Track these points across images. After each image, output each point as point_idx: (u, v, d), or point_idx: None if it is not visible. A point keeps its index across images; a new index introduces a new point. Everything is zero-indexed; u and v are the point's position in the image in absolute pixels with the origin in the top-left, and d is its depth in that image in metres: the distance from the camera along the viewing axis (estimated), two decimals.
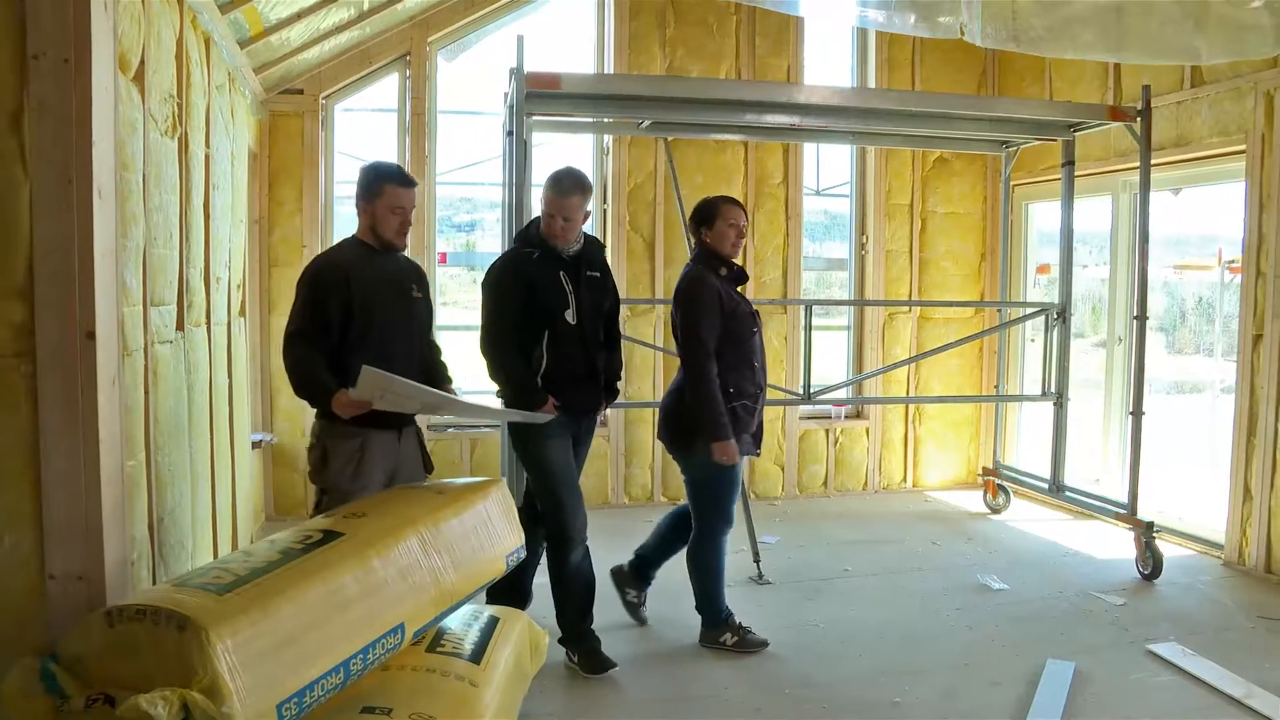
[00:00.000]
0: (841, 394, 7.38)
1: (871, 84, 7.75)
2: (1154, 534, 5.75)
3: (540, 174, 7.11)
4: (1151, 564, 5.68)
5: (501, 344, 4.24)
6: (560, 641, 4.36)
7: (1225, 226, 6.08)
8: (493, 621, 3.37)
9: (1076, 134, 6.56)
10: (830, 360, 7.93)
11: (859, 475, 7.84)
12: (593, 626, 4.40)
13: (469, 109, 7.27)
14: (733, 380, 4.44)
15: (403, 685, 2.89)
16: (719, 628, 4.63)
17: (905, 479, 7.97)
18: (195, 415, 4.24)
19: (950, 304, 7.97)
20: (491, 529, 3.36)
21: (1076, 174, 6.81)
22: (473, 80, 7.21)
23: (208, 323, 4.56)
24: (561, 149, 7.58)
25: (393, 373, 3.54)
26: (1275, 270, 5.66)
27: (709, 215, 4.60)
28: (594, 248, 4.45)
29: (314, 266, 3.83)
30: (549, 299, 4.22)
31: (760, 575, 5.57)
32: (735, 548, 5.83)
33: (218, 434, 4.77)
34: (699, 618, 4.67)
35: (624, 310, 7.09)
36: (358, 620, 2.68)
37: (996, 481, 7.29)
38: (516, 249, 4.38)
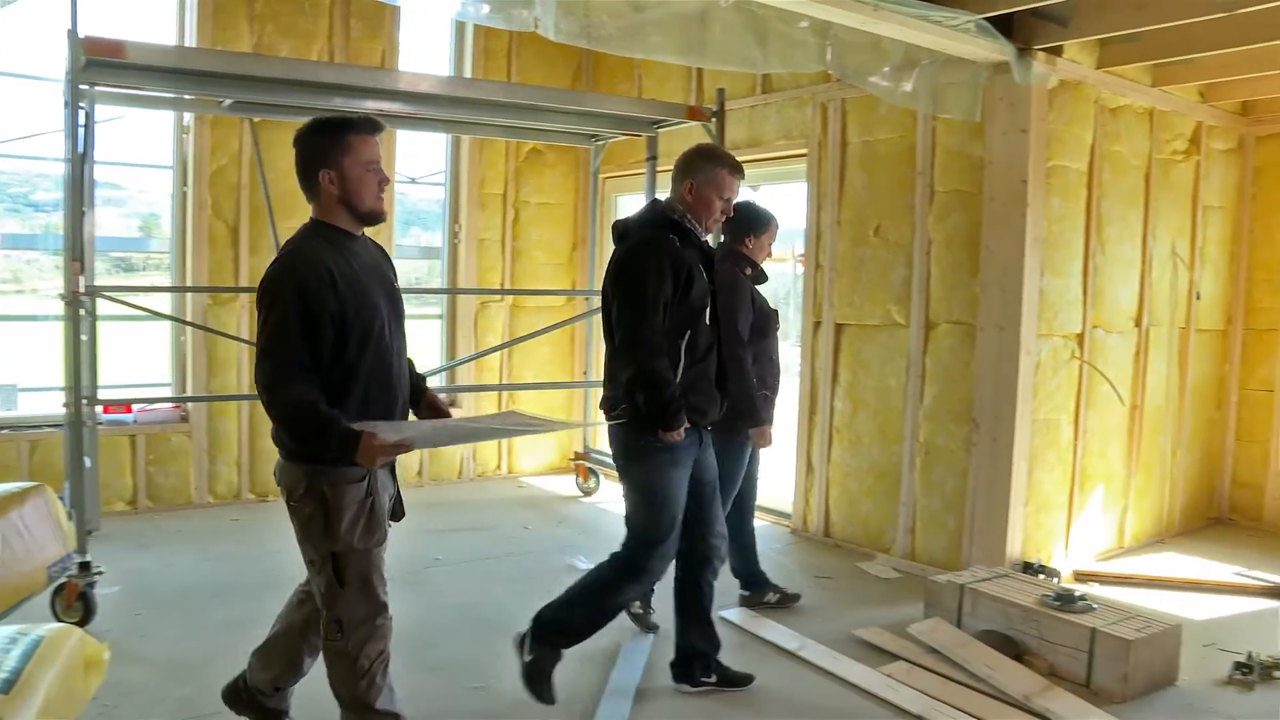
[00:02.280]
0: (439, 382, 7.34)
1: (468, 73, 7.77)
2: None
3: (107, 150, 6.64)
4: None
5: (658, 347, 3.66)
6: (536, 630, 3.91)
7: (799, 222, 6.63)
8: (36, 642, 3.04)
9: (659, 130, 6.89)
10: (425, 349, 7.89)
11: (453, 464, 7.85)
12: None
13: (31, 73, 6.53)
14: (757, 372, 4.55)
15: None
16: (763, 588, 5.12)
17: (500, 466, 8.08)
18: None
19: (541, 293, 8.15)
20: (28, 539, 3.03)
21: (662, 169, 7.15)
22: (35, 39, 6.49)
23: None
24: (138, 123, 7.05)
25: (396, 389, 3.08)
26: (831, 264, 6.25)
27: (763, 226, 4.84)
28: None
29: (293, 272, 2.89)
30: (698, 296, 3.77)
31: None
32: None
33: None
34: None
35: (206, 299, 6.74)
36: None
37: (587, 465, 7.55)
38: (658, 233, 3.77)
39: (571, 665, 4.29)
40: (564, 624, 3.92)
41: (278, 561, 5.59)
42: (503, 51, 7.88)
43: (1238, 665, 4.38)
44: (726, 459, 4.52)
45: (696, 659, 4.11)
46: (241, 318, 6.88)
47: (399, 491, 3.25)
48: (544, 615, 3.93)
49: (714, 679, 4.11)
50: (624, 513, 3.98)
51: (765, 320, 4.81)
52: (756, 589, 5.11)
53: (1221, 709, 4.08)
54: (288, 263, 2.93)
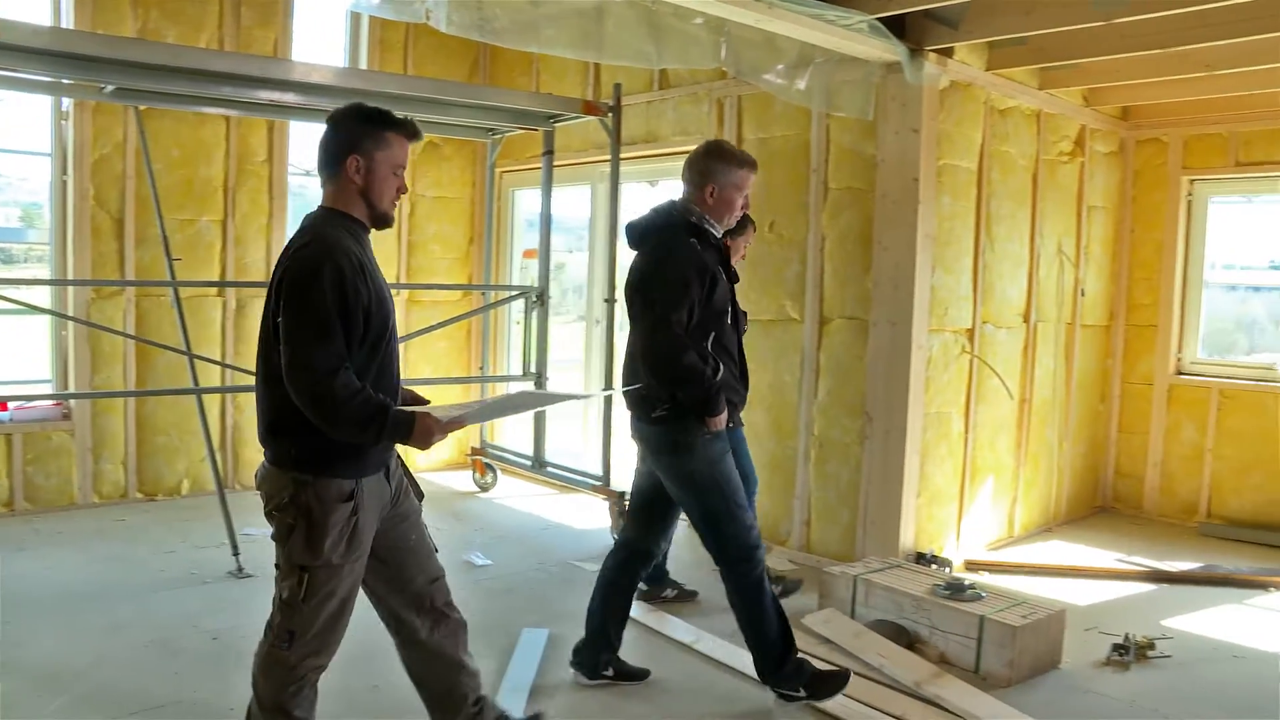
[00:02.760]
0: None
1: (364, 64, 7.64)
2: (625, 502, 6.17)
3: None
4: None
5: (682, 343, 3.66)
6: (770, 680, 3.98)
7: None
8: None
9: (556, 125, 6.88)
10: None
11: None
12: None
13: None
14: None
15: None
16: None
17: None
18: None
19: (438, 287, 8.06)
20: None
21: (560, 164, 7.15)
22: None
23: None
24: (16, 107, 6.76)
25: (398, 387, 3.00)
26: None
27: (740, 229, 4.89)
28: None
29: (328, 257, 2.75)
30: (720, 298, 3.80)
31: (240, 569, 5.32)
32: (216, 541, 5.59)
33: None
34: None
35: (89, 293, 6.55)
36: None
37: (484, 460, 7.49)
38: (679, 238, 3.77)
39: None
40: (774, 653, 3.95)
41: (167, 562, 5.49)
42: (399, 43, 7.77)
43: (1115, 647, 4.54)
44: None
45: (604, 651, 4.12)
46: (128, 311, 6.68)
47: (410, 474, 3.21)
48: (763, 669, 3.98)
49: (611, 673, 4.12)
50: (697, 519, 3.94)
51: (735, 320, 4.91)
52: (656, 584, 5.12)
53: (1099, 689, 4.22)
54: (320, 248, 2.78)
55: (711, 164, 3.83)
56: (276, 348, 2.78)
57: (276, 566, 2.93)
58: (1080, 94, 6.65)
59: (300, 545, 2.83)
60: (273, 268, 2.93)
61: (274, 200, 7.23)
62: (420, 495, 3.23)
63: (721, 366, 3.80)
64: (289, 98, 5.79)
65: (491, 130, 7.28)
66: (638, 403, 3.88)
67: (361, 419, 2.73)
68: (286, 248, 2.87)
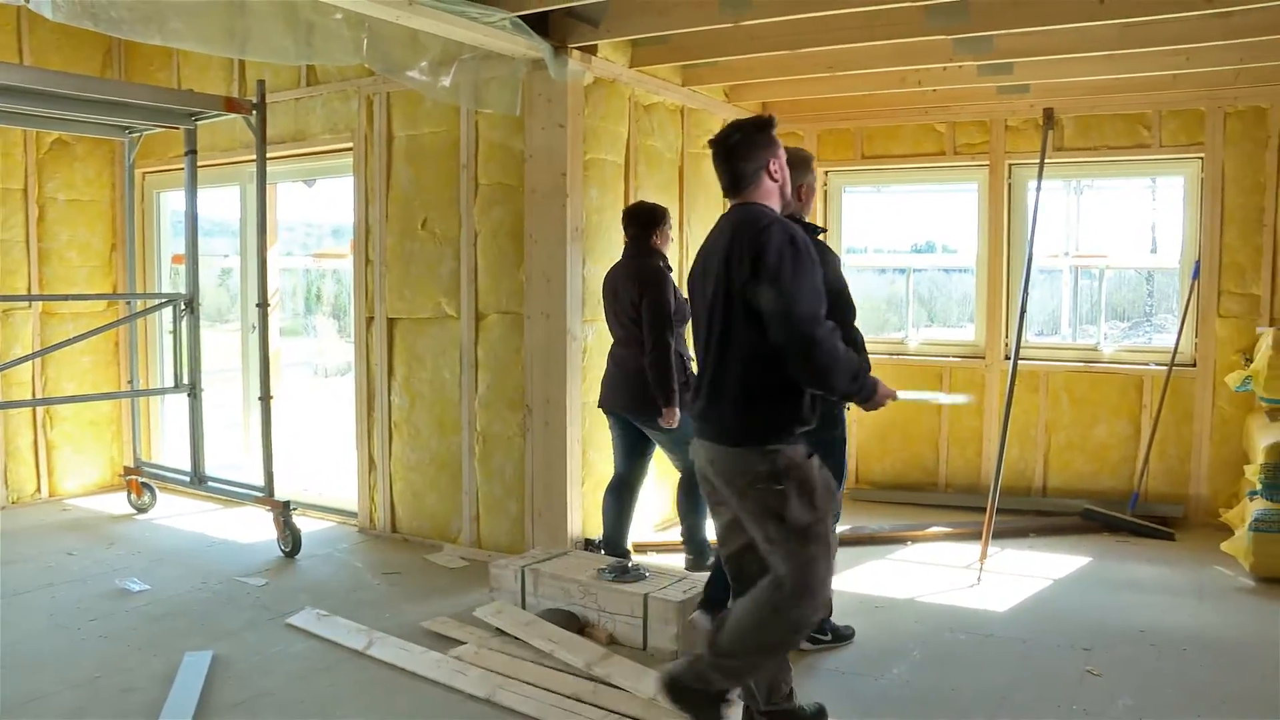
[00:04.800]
0: None
1: None
2: (291, 512, 6.00)
3: None
4: (291, 541, 5.93)
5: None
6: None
7: (348, 217, 6.52)
8: None
9: (198, 123, 6.53)
10: None
11: None
12: None
13: None
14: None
15: None
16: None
17: (40, 489, 7.31)
18: None
19: (74, 298, 7.41)
20: None
21: (208, 163, 6.83)
22: None
23: None
24: None
25: None
26: (381, 258, 6.21)
27: (662, 218, 5.29)
28: None
29: (801, 235, 3.25)
30: (832, 280, 3.85)
31: None
32: None
33: None
34: None
35: None
36: None
37: (140, 480, 7.02)
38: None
39: (113, 700, 4.00)
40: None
41: None
42: (10, 27, 6.99)
43: None
44: (657, 430, 5.20)
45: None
46: None
47: None
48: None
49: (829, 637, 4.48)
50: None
51: (684, 308, 5.07)
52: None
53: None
54: (784, 227, 3.22)
55: (797, 166, 4.03)
56: (747, 326, 3.18)
57: (770, 542, 3.19)
58: (722, 90, 7.01)
59: (800, 508, 3.14)
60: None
61: None
62: None
63: None
64: None
65: (128, 128, 6.82)
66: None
67: (853, 370, 3.14)
68: (737, 232, 3.27)
